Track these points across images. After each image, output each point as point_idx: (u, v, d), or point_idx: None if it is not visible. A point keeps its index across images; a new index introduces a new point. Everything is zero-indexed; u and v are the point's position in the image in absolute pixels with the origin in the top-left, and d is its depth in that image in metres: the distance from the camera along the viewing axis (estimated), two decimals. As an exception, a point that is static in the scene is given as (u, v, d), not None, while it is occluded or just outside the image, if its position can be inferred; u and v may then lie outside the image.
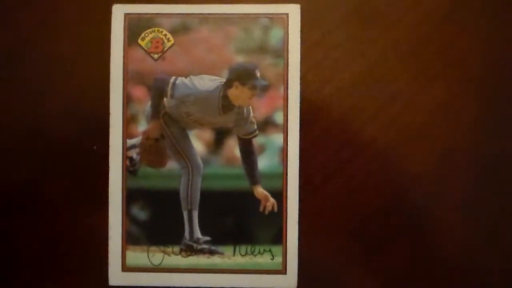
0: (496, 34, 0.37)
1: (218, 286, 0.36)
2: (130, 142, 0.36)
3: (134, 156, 0.36)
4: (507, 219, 0.37)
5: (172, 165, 0.36)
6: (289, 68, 0.36)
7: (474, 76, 0.37)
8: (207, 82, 0.36)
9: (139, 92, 0.36)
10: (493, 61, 0.37)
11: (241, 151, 0.36)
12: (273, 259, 0.36)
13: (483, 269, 0.37)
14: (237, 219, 0.36)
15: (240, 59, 0.36)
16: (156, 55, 0.36)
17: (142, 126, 0.36)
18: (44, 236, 0.37)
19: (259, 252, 0.36)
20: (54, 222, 0.37)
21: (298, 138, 0.36)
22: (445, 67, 0.37)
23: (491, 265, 0.37)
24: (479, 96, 0.37)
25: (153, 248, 0.36)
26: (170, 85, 0.36)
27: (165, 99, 0.36)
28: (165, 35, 0.36)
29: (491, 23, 0.37)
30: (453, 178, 0.36)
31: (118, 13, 0.36)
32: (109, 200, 0.36)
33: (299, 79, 0.36)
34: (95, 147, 0.36)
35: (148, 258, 0.36)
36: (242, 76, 0.36)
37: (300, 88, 0.36)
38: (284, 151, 0.36)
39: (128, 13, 0.36)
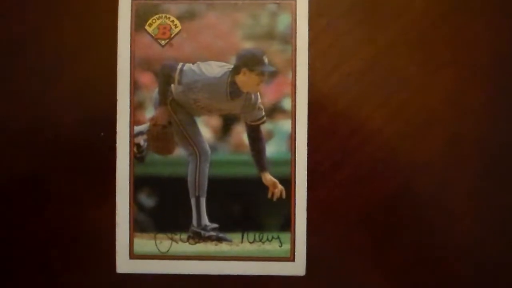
0: (505, 22, 0.36)
1: (226, 274, 0.36)
2: (137, 128, 0.36)
3: (142, 143, 0.36)
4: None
5: (179, 152, 0.36)
6: (297, 54, 0.36)
7: (483, 64, 0.36)
8: (215, 69, 0.36)
9: (146, 78, 0.36)
10: (501, 49, 0.36)
11: (249, 137, 0.36)
12: (281, 246, 0.36)
13: (491, 258, 0.36)
14: (245, 206, 0.36)
15: (247, 45, 0.36)
16: (163, 41, 0.36)
17: (149, 113, 0.36)
18: (52, 224, 0.37)
19: (267, 239, 0.36)
20: (61, 209, 0.37)
21: (306, 125, 0.36)
22: (454, 54, 0.36)
23: (499, 254, 0.36)
24: (488, 84, 0.36)
25: (160, 235, 0.36)
26: (177, 71, 0.36)
27: (172, 85, 0.36)
28: (173, 21, 0.36)
29: (500, 11, 0.36)
30: (461, 166, 0.36)
31: (125, -1, 0.36)
32: (117, 187, 0.36)
33: (307, 65, 0.36)
34: (102, 134, 0.36)
35: (156, 245, 0.36)
36: (250, 62, 0.36)
37: (308, 74, 0.36)
38: (292, 137, 0.36)
39: (135, -1, 0.36)
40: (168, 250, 0.36)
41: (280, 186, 0.36)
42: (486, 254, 0.36)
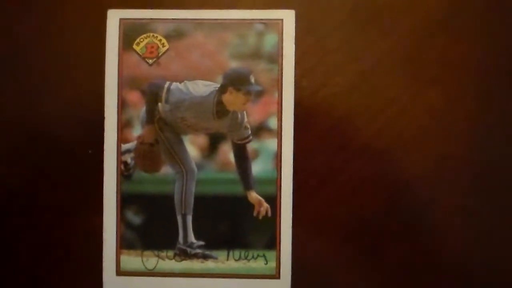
0: (492, 40, 0.37)
1: (211, 291, 0.36)
2: (124, 146, 0.36)
3: (129, 160, 0.36)
4: (501, 224, 0.36)
5: (166, 170, 0.37)
6: (284, 73, 0.36)
7: (470, 82, 0.37)
8: (202, 88, 0.36)
9: (134, 97, 0.36)
10: (488, 67, 0.37)
11: (235, 156, 0.36)
12: (266, 264, 0.36)
13: (478, 274, 0.37)
14: (231, 224, 0.36)
15: (234, 64, 0.36)
16: (151, 60, 0.36)
17: (136, 131, 0.36)
18: (38, 240, 0.37)
19: (253, 257, 0.36)
20: (48, 226, 0.37)
21: (292, 144, 0.36)
22: (441, 72, 0.37)
23: (486, 270, 0.37)
24: (475, 102, 0.37)
25: (147, 252, 0.36)
26: (164, 90, 0.36)
27: (159, 104, 0.36)
28: (160, 40, 0.36)
29: (487, 29, 0.37)
30: (448, 183, 0.36)
31: (113, 18, 0.36)
32: (104, 204, 0.36)
33: (293, 85, 0.36)
34: (90, 152, 0.36)
35: (142, 262, 0.36)
36: (236, 81, 0.36)
37: (295, 94, 0.36)
38: (278, 156, 0.36)
39: (123, 18, 0.36)
40: (154, 267, 0.36)
41: (265, 205, 0.36)
42: (472, 268, 0.37)
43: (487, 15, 0.37)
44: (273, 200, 0.36)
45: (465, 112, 0.37)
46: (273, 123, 0.36)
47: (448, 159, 0.36)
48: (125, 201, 0.36)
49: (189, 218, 0.36)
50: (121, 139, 0.36)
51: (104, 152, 0.36)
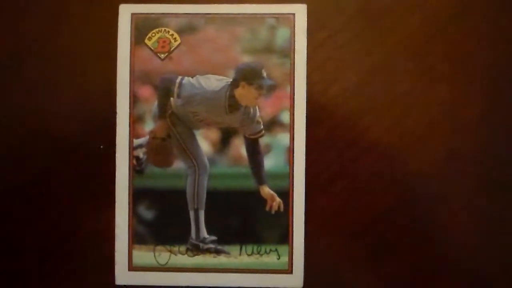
0: (501, 36, 0.37)
1: (224, 286, 0.36)
2: (136, 141, 0.36)
3: (141, 155, 0.36)
4: (511, 220, 0.36)
5: (178, 164, 0.37)
6: (296, 68, 0.36)
7: (479, 78, 0.37)
8: (214, 82, 0.36)
9: (145, 91, 0.36)
10: (498, 63, 0.37)
11: (248, 151, 0.36)
12: (279, 258, 0.36)
13: (487, 271, 0.37)
14: (243, 219, 0.36)
15: (246, 59, 0.36)
16: (163, 55, 0.36)
17: (148, 126, 0.36)
18: (51, 236, 0.37)
19: (265, 252, 0.36)
20: (61, 221, 0.37)
21: (304, 138, 0.36)
22: (451, 68, 0.37)
23: (495, 267, 0.37)
24: (484, 97, 0.37)
25: (159, 247, 0.36)
26: (176, 85, 0.36)
27: (171, 99, 0.36)
28: (172, 35, 0.36)
29: (496, 25, 0.37)
30: (457, 179, 0.36)
31: (125, 13, 0.36)
32: (116, 199, 0.36)
33: (305, 79, 0.36)
34: (101, 147, 0.36)
35: (155, 257, 0.36)
36: (248, 76, 0.36)
37: (307, 88, 0.36)
38: (290, 151, 0.36)
39: (135, 13, 0.36)
40: (167, 262, 0.36)
41: (278, 199, 0.36)
42: (482, 264, 0.37)
43: (496, 10, 0.37)
44: (286, 195, 0.36)
45: (475, 108, 0.37)
46: (285, 117, 0.36)
47: (457, 154, 0.36)
48: (137, 196, 0.36)
49: (201, 213, 0.36)
50: (133, 134, 0.36)
51: (116, 147, 0.36)
